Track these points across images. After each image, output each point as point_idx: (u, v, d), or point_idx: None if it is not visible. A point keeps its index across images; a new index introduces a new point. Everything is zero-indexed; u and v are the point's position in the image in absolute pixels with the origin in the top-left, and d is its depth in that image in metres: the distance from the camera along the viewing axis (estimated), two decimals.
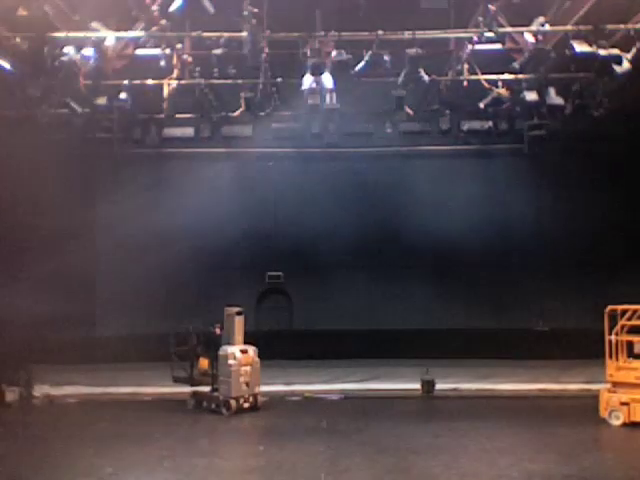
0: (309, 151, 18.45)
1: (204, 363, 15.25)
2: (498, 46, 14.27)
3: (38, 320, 16.72)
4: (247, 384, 14.92)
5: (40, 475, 10.59)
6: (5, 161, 16.13)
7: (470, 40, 13.59)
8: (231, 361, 14.68)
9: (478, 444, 12.12)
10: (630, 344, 13.51)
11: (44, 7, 12.25)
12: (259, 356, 15.24)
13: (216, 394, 14.94)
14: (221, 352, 14.86)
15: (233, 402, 14.59)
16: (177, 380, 15.44)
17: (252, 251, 18.61)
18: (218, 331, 15.03)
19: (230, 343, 14.95)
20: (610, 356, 13.55)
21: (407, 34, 13.43)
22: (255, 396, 15.13)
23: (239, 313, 15.11)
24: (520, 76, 14.74)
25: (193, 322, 15.55)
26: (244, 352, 14.99)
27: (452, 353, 17.46)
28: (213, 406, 14.91)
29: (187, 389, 15.54)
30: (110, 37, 13.44)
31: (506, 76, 14.99)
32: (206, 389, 15.25)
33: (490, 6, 12.79)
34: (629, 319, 13.52)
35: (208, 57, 13.86)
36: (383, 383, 17.61)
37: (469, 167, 18.78)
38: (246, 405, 14.90)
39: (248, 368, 14.94)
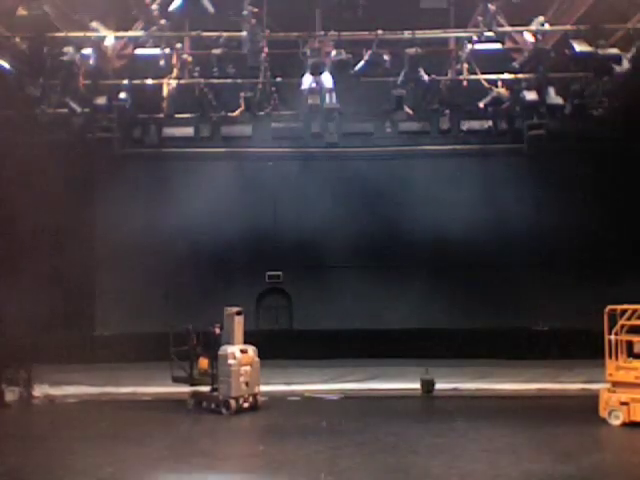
0: (309, 151, 18.46)
1: (204, 363, 15.24)
2: (498, 46, 14.27)
3: (38, 320, 16.72)
4: (247, 384, 14.91)
5: (40, 475, 10.58)
6: (5, 161, 16.14)
7: (470, 40, 13.58)
8: (231, 361, 14.67)
9: (478, 444, 12.11)
10: (630, 344, 13.49)
11: (44, 7, 12.24)
12: (259, 356, 15.24)
13: (216, 394, 14.94)
14: (221, 352, 14.85)
15: (233, 402, 14.58)
16: (176, 380, 15.43)
17: (252, 251, 18.61)
18: (218, 331, 15.03)
19: (230, 343, 14.96)
20: (610, 356, 13.53)
21: (407, 34, 13.44)
22: (255, 396, 15.13)
23: (239, 313, 15.11)
24: (520, 76, 14.74)
25: (193, 322, 15.53)
26: (244, 352, 14.99)
27: (452, 353, 17.47)
28: (213, 406, 14.90)
29: (187, 389, 15.53)
30: (110, 37, 13.44)
31: (506, 76, 14.99)
32: (206, 389, 15.25)
33: (490, 6, 12.78)
34: (628, 319, 13.52)
35: (208, 57, 13.87)
36: (383, 383, 17.60)
37: (469, 167, 18.79)
38: (246, 405, 14.90)
39: (248, 368, 14.94)
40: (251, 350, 15.16)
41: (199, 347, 15.35)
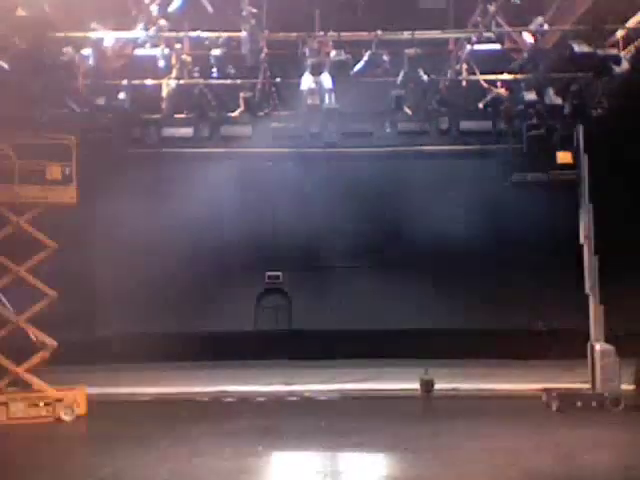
0: (308, 151, 18.45)
1: None
2: (497, 46, 14.25)
3: (38, 320, 16.71)
4: None
5: (40, 475, 10.59)
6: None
7: (469, 40, 13.57)
8: None
9: (477, 444, 12.10)
10: None
11: (43, 7, 12.24)
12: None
13: None
14: None
15: None
16: None
17: (252, 251, 18.61)
18: None
19: None
20: None
21: (406, 34, 13.42)
22: None
23: None
24: (519, 76, 14.73)
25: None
26: None
27: (452, 353, 17.46)
28: None
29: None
30: (109, 37, 13.42)
31: (505, 76, 14.98)
32: None
33: (489, 6, 12.76)
34: None
35: (207, 57, 13.86)
36: (382, 383, 17.60)
37: (468, 167, 18.78)
38: None
39: None
40: None
41: None
